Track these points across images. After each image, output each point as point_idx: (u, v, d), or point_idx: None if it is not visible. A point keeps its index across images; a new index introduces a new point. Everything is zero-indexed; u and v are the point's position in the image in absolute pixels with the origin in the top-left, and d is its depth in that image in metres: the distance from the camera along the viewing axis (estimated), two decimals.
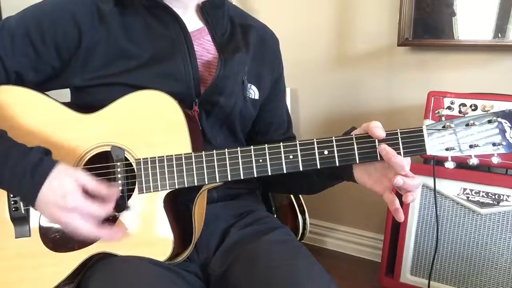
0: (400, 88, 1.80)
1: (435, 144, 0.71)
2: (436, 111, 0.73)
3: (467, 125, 0.70)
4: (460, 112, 0.71)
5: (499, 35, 1.53)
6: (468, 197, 1.41)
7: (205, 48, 0.88)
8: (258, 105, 0.95)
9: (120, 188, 0.76)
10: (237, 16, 0.95)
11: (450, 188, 1.43)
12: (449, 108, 1.41)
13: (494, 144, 0.69)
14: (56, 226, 0.77)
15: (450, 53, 1.68)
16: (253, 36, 0.94)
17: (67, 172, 0.71)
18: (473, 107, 1.38)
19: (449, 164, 0.72)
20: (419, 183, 0.72)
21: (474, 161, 0.70)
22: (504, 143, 0.69)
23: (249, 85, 0.91)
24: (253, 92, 0.92)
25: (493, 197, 1.38)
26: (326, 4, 1.90)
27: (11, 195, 0.77)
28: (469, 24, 1.58)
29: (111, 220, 0.76)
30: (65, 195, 0.69)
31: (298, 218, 1.80)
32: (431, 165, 1.40)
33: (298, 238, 1.79)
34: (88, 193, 0.71)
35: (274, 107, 1.00)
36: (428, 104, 1.44)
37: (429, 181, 1.44)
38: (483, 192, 1.39)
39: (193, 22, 0.89)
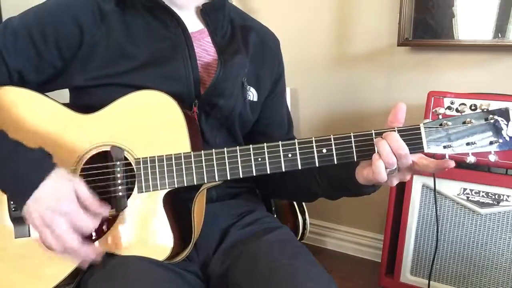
0: (400, 88, 1.80)
1: (433, 142, 0.71)
2: (434, 110, 0.73)
3: (463, 123, 0.70)
4: (457, 110, 0.72)
5: (499, 35, 1.53)
6: (468, 197, 1.41)
7: (205, 49, 0.88)
8: (258, 107, 0.95)
9: (109, 210, 0.74)
10: (237, 18, 0.95)
11: (450, 188, 1.43)
12: (449, 108, 1.41)
13: (490, 142, 0.69)
14: None
15: (450, 53, 1.68)
16: (253, 37, 0.94)
17: (66, 177, 0.71)
18: (473, 107, 1.37)
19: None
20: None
21: (471, 159, 0.71)
22: (500, 140, 0.69)
23: (248, 87, 0.91)
24: (252, 94, 0.92)
25: (493, 197, 1.38)
26: (326, 4, 1.90)
27: (7, 195, 0.77)
28: (469, 24, 1.58)
29: (111, 219, 0.76)
30: (60, 198, 0.69)
31: (298, 218, 1.80)
32: None
33: (298, 238, 1.79)
34: (80, 203, 0.71)
35: (274, 108, 1.00)
36: (428, 104, 1.44)
37: (429, 181, 1.44)
38: (483, 192, 1.39)
39: (193, 23, 0.89)
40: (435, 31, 1.63)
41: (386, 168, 0.70)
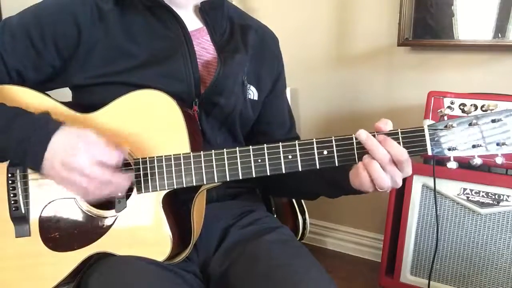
0: (400, 88, 1.80)
1: (437, 144, 0.69)
2: (439, 111, 0.71)
3: (470, 124, 0.68)
4: (463, 111, 0.70)
5: (499, 35, 1.53)
6: (468, 197, 1.41)
7: (204, 48, 0.88)
8: (258, 105, 0.95)
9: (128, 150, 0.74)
10: (236, 17, 0.95)
11: (450, 188, 1.43)
12: (449, 108, 1.40)
13: (497, 144, 0.67)
14: (56, 225, 0.77)
15: (450, 53, 1.67)
16: (252, 36, 0.94)
17: (75, 127, 0.72)
18: (473, 107, 1.37)
19: (452, 164, 0.70)
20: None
21: (477, 161, 0.69)
22: (508, 143, 0.67)
23: (248, 85, 0.91)
24: (252, 93, 0.92)
25: (493, 197, 1.37)
26: (326, 4, 1.90)
27: (12, 190, 0.77)
28: (469, 24, 1.58)
29: (111, 220, 0.76)
30: (76, 138, 0.69)
31: (298, 218, 1.80)
32: (431, 165, 1.40)
33: (298, 238, 1.79)
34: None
35: (274, 107, 1.00)
36: (428, 104, 1.44)
37: (429, 181, 1.44)
38: (483, 192, 1.39)
39: (192, 22, 0.89)
40: (435, 31, 1.63)
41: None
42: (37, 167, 0.70)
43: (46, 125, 0.71)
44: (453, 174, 1.40)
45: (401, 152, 0.68)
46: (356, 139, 0.71)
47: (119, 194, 0.73)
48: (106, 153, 0.70)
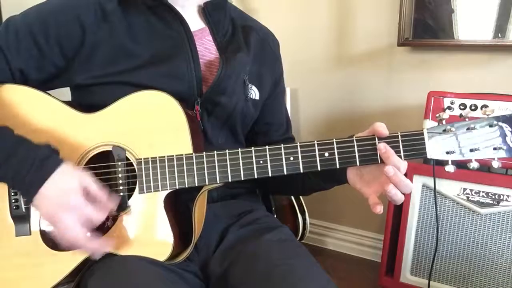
0: (400, 88, 1.80)
1: (436, 147, 0.70)
2: (437, 115, 0.72)
3: (468, 129, 0.69)
4: (461, 115, 0.71)
5: (499, 35, 1.53)
6: (468, 197, 1.41)
7: (206, 48, 0.88)
8: (259, 105, 0.95)
9: (120, 196, 0.75)
10: (238, 18, 0.96)
11: (450, 188, 1.43)
12: (449, 108, 1.41)
13: (494, 148, 0.69)
14: None
15: (450, 53, 1.68)
16: (254, 37, 0.94)
17: (73, 171, 0.72)
18: (473, 107, 1.38)
19: (450, 168, 0.71)
20: (409, 186, 0.71)
21: (474, 165, 0.70)
22: (504, 147, 0.69)
23: (250, 85, 0.91)
24: (254, 93, 0.93)
25: (493, 197, 1.38)
26: (326, 4, 1.90)
27: (12, 190, 0.77)
28: (469, 24, 1.58)
29: (111, 219, 0.76)
30: (67, 193, 0.69)
31: (298, 218, 1.80)
32: (431, 165, 1.40)
33: (298, 238, 1.79)
34: (88, 196, 0.71)
35: (274, 108, 1.01)
36: (428, 104, 1.44)
37: (429, 181, 1.44)
38: (483, 192, 1.39)
39: (194, 22, 0.89)
40: (435, 31, 1.64)
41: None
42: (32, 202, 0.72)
43: (41, 168, 0.71)
44: (453, 174, 1.39)
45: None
46: (357, 141, 0.72)
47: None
48: (91, 212, 0.71)
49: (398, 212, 1.54)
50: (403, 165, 0.70)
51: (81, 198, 0.70)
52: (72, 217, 0.70)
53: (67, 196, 0.69)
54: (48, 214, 0.71)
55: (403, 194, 0.71)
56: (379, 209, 0.72)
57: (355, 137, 0.73)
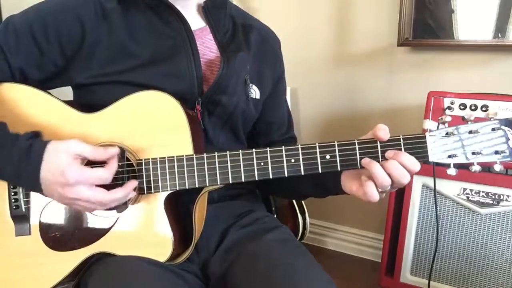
0: (400, 88, 1.80)
1: (438, 151, 0.70)
2: (439, 118, 0.72)
3: (470, 132, 0.69)
4: (463, 118, 0.71)
5: (499, 35, 1.53)
6: (468, 197, 1.41)
7: (207, 47, 0.88)
8: (260, 105, 0.95)
9: (117, 151, 0.73)
10: (238, 16, 0.96)
11: (450, 188, 1.43)
12: (449, 108, 1.41)
13: (497, 152, 0.69)
14: (56, 224, 0.77)
15: (450, 53, 1.68)
16: (255, 36, 0.94)
17: (59, 148, 0.70)
18: (473, 107, 1.38)
19: (451, 171, 0.71)
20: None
21: (476, 168, 0.70)
22: (507, 151, 0.69)
23: (250, 84, 0.91)
24: (255, 92, 0.92)
25: (493, 197, 1.38)
26: (326, 4, 1.90)
27: (12, 189, 0.77)
28: (469, 24, 1.58)
29: (112, 220, 0.76)
30: (63, 172, 0.68)
31: (298, 218, 1.80)
32: (431, 165, 1.40)
33: (298, 238, 1.79)
34: (87, 161, 0.70)
35: (275, 107, 1.00)
36: (428, 104, 1.44)
37: (429, 181, 1.44)
38: (483, 192, 1.39)
39: (195, 21, 0.89)
40: (435, 31, 1.63)
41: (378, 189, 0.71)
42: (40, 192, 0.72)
43: (29, 157, 0.69)
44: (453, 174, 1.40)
45: (414, 163, 0.70)
46: (358, 144, 0.72)
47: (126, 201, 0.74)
48: (96, 173, 0.70)
49: (398, 212, 1.54)
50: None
51: (79, 168, 0.69)
52: (83, 188, 0.69)
53: (65, 174, 0.68)
54: (61, 198, 0.70)
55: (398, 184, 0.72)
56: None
57: (357, 140, 0.72)
